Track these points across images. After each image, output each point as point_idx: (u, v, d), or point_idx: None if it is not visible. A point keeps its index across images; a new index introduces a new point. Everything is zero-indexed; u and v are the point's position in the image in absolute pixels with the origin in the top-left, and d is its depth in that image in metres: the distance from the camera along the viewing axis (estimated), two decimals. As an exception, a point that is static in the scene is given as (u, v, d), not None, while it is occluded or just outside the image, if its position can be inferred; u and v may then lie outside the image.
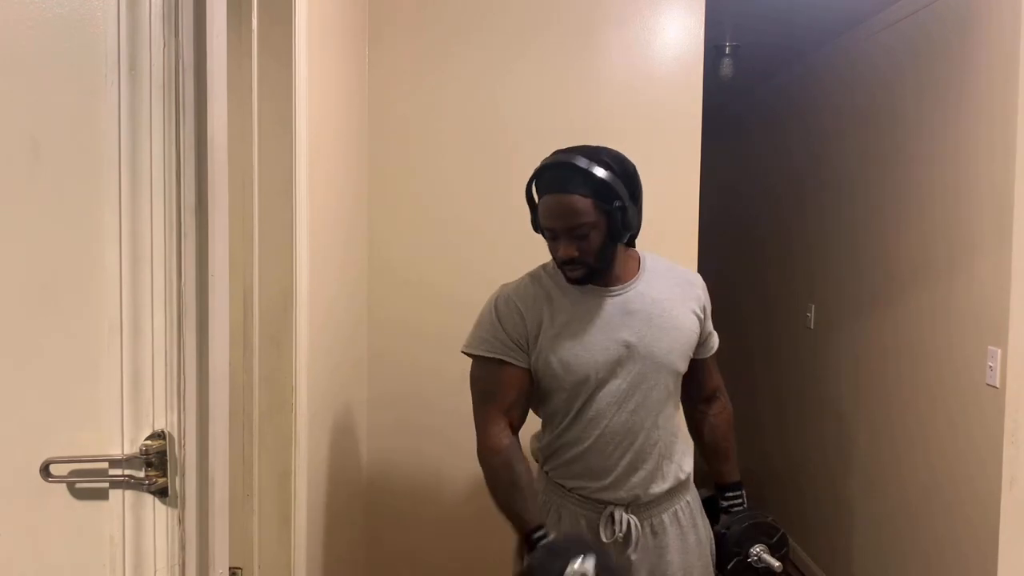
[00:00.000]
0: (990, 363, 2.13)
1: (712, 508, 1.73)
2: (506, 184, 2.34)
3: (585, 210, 1.45)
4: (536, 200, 1.54)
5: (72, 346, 1.11)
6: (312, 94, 1.65)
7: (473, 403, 1.57)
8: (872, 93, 2.96)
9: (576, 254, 1.47)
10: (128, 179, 1.10)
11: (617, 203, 1.47)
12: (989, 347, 2.14)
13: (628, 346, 1.53)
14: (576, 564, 1.33)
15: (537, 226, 1.56)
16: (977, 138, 2.24)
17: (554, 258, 1.54)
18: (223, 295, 1.14)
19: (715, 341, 1.72)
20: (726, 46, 3.30)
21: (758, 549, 1.61)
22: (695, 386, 1.73)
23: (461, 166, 2.34)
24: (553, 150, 2.35)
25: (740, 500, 1.72)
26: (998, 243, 2.11)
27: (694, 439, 1.78)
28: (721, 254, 4.48)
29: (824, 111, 3.41)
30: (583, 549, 1.37)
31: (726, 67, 3.37)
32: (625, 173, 1.51)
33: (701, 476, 1.71)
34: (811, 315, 3.49)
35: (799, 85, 3.71)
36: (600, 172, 1.46)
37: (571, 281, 1.53)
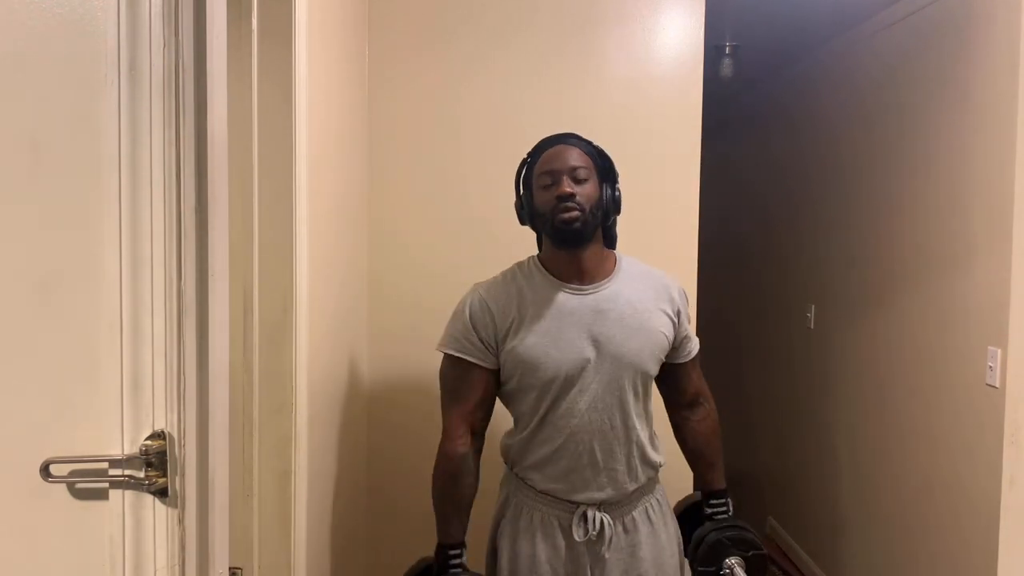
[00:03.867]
0: (990, 363, 2.13)
1: (697, 514, 1.71)
2: (507, 183, 2.34)
3: (586, 161, 1.57)
4: (521, 185, 1.65)
5: (72, 346, 1.11)
6: (312, 93, 1.65)
7: (441, 399, 1.65)
8: (872, 92, 2.96)
9: (575, 191, 1.52)
10: (128, 179, 1.10)
11: (607, 177, 1.60)
12: (989, 347, 2.14)
13: (597, 345, 1.54)
14: None
15: (524, 216, 1.63)
16: (977, 137, 2.24)
17: (546, 211, 1.55)
18: (223, 295, 1.14)
19: (693, 346, 1.71)
20: (726, 46, 3.30)
21: (732, 562, 1.59)
22: (676, 391, 1.73)
23: (461, 165, 2.34)
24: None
25: (724, 508, 1.70)
26: (998, 243, 2.11)
27: (680, 445, 1.77)
28: (721, 254, 4.48)
29: (824, 111, 3.41)
30: None
31: (726, 67, 3.37)
32: (611, 162, 1.62)
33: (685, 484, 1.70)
34: (811, 315, 3.49)
35: (799, 85, 3.71)
36: (596, 145, 1.62)
37: (566, 223, 1.51)
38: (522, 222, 1.64)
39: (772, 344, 4.01)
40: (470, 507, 1.60)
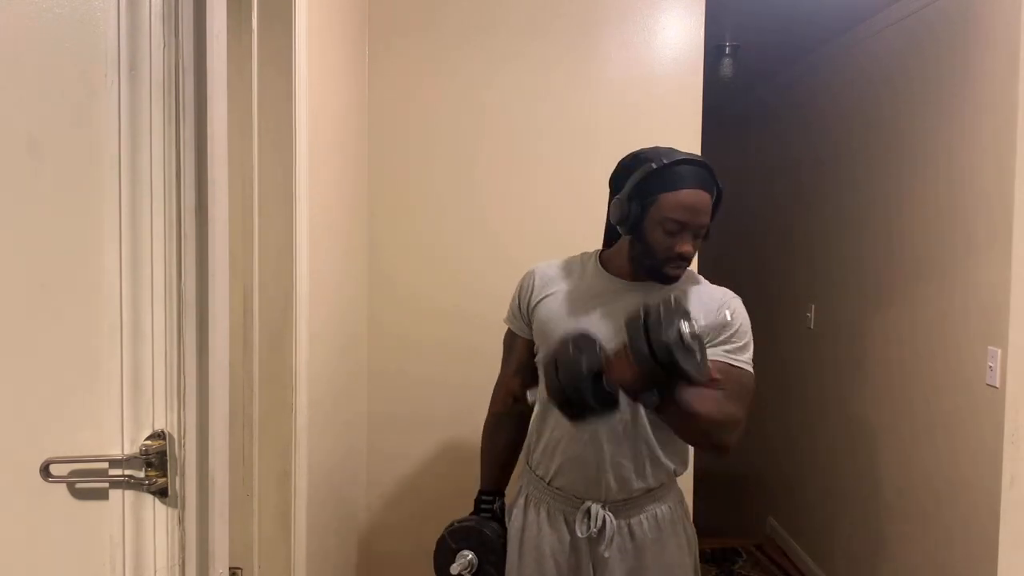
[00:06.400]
0: (990, 363, 2.13)
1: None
2: (506, 183, 2.35)
3: (709, 213, 1.49)
4: (634, 191, 1.47)
5: (72, 346, 1.11)
6: (312, 94, 1.65)
7: None
8: (872, 93, 2.96)
9: (693, 252, 1.48)
10: (128, 179, 1.10)
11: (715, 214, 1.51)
12: (989, 347, 2.14)
13: (620, 338, 1.47)
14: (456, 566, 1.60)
15: (623, 224, 1.49)
16: (977, 137, 2.24)
17: (659, 254, 1.47)
18: (223, 295, 1.14)
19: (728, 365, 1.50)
20: (726, 46, 3.30)
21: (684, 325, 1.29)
22: None
23: (460, 166, 2.35)
24: (555, 150, 2.37)
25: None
26: (998, 243, 2.11)
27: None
28: (721, 254, 4.47)
29: (824, 111, 3.41)
30: (472, 546, 1.61)
31: (726, 67, 3.37)
32: (721, 189, 1.52)
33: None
34: (811, 315, 3.49)
35: (799, 85, 3.71)
36: (719, 184, 1.50)
37: (671, 278, 1.51)
38: (618, 225, 1.52)
39: (772, 344, 4.01)
40: (507, 462, 1.74)
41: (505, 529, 1.67)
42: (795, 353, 3.69)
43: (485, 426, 1.75)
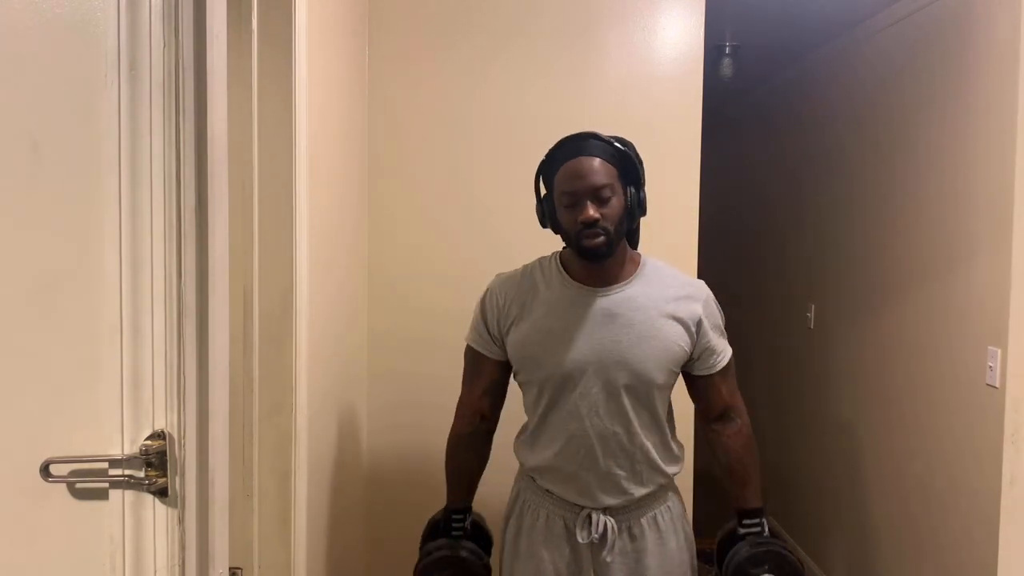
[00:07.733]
0: (990, 363, 2.13)
1: (732, 536, 1.63)
2: (504, 182, 2.35)
3: (609, 173, 1.48)
4: (541, 186, 1.58)
5: (72, 346, 1.11)
6: (312, 93, 1.65)
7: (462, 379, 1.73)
8: (872, 93, 2.96)
9: (598, 216, 1.45)
10: (128, 179, 1.10)
11: (632, 179, 1.52)
12: (989, 347, 2.14)
13: (601, 349, 1.51)
14: None
15: (545, 217, 1.58)
16: (977, 137, 2.24)
17: (570, 230, 1.50)
18: (223, 295, 1.14)
19: (719, 359, 1.61)
20: (726, 46, 3.30)
21: None
22: (703, 404, 1.66)
23: (460, 165, 2.35)
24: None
25: (759, 527, 1.61)
26: (997, 243, 2.11)
27: (715, 461, 1.68)
28: (721, 254, 4.48)
29: (824, 111, 3.41)
30: (453, 575, 1.59)
31: (726, 67, 3.37)
32: (636, 156, 1.54)
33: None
34: (811, 315, 3.49)
35: (799, 85, 3.71)
36: (619, 145, 1.51)
37: (590, 250, 1.48)
38: (543, 225, 1.59)
39: (772, 344, 4.01)
40: (472, 479, 1.70)
41: (479, 546, 1.64)
42: (795, 353, 3.69)
43: (449, 444, 1.70)
